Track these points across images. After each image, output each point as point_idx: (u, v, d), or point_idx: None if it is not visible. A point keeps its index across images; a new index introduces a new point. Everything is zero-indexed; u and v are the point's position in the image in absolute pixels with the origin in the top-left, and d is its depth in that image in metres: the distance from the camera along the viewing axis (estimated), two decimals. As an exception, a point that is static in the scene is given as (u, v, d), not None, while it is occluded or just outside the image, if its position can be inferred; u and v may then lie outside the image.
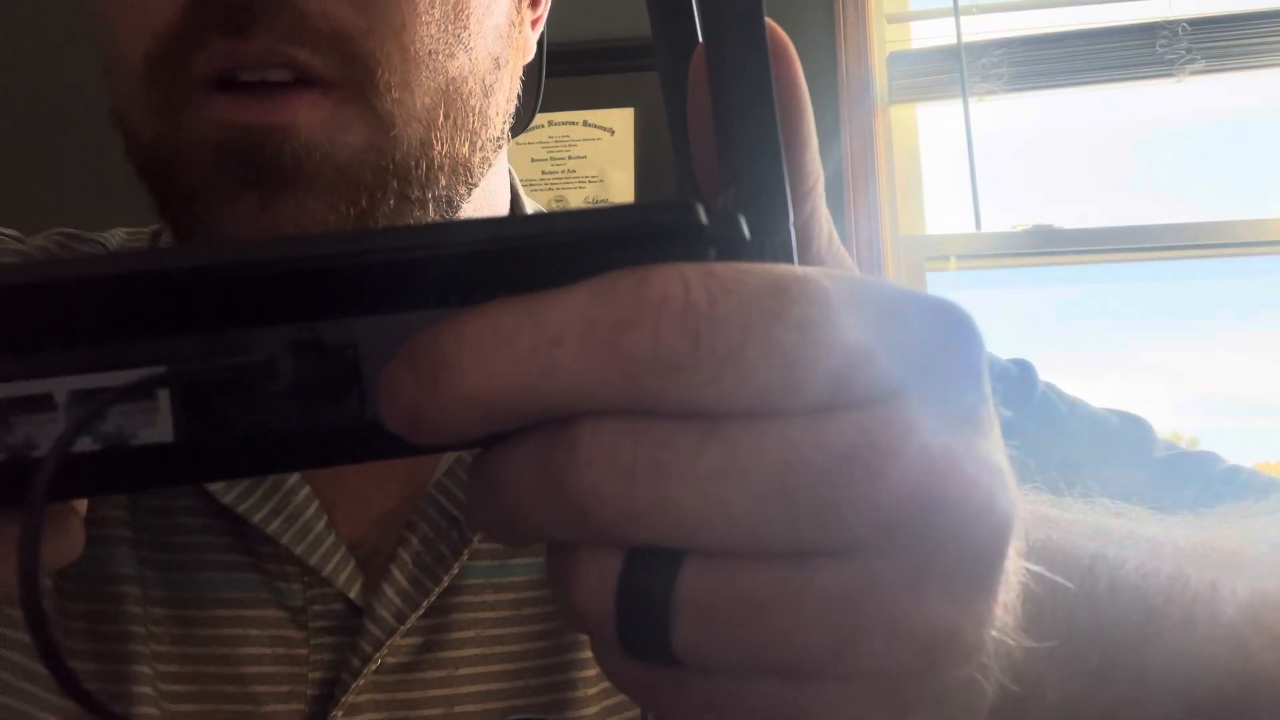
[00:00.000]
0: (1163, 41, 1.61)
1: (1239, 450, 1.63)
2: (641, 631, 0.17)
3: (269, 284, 0.17)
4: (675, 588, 0.17)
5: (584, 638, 0.41)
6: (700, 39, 0.23)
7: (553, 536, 0.18)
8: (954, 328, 0.18)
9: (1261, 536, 0.34)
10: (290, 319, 0.18)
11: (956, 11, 1.68)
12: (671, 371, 0.16)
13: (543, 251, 0.18)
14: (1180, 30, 1.61)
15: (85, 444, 0.18)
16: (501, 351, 0.17)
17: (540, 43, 0.48)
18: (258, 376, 0.18)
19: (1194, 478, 0.47)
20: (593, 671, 0.41)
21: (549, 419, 0.17)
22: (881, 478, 0.16)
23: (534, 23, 0.46)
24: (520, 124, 0.46)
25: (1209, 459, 0.48)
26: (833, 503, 0.16)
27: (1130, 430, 0.49)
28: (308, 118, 0.35)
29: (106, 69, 0.38)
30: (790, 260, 0.20)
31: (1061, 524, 0.25)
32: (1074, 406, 0.49)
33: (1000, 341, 1.70)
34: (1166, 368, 1.69)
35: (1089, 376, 1.67)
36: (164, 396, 0.18)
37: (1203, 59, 1.61)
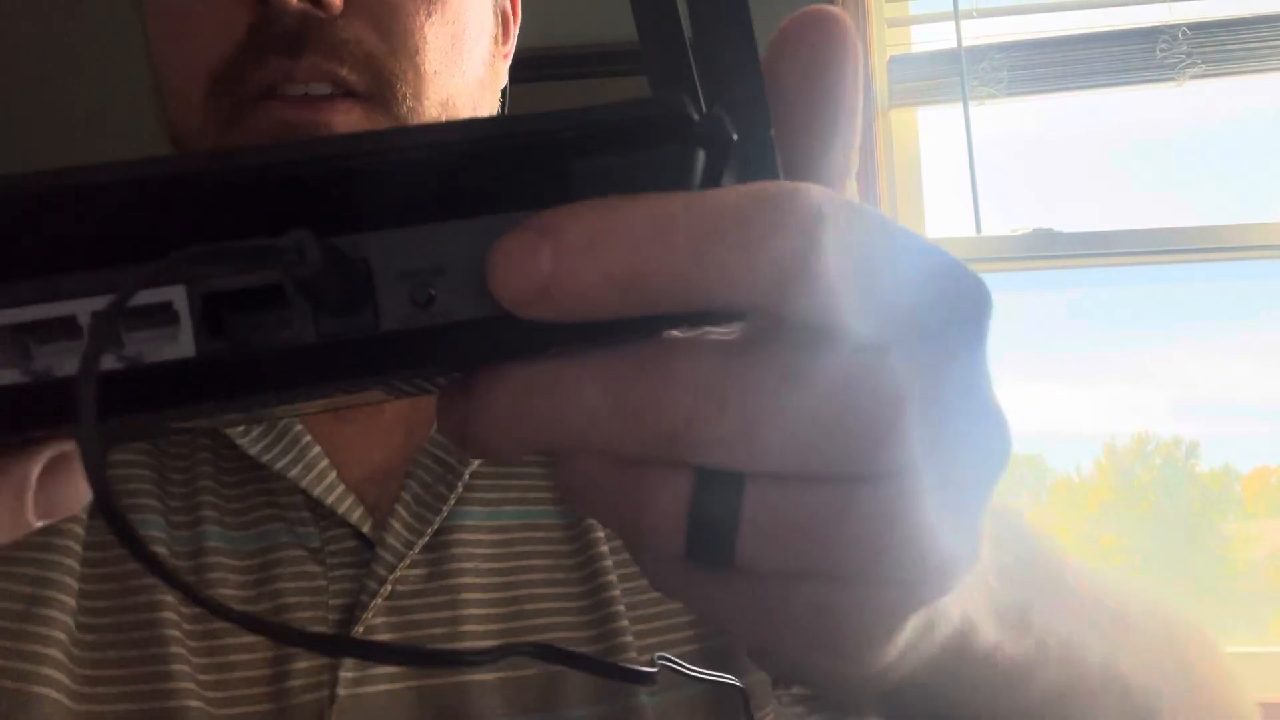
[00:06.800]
0: (1163, 46, 1.62)
1: (1239, 454, 1.63)
2: (710, 545, 0.19)
3: (282, 188, 0.18)
4: (742, 507, 0.19)
5: (560, 575, 0.47)
6: (688, 39, 0.23)
7: (608, 452, 0.20)
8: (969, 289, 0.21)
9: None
10: (308, 226, 0.18)
11: (957, 15, 1.68)
12: (810, 282, 0.18)
13: (542, 145, 0.18)
14: (1180, 35, 1.61)
15: (108, 362, 0.18)
16: (659, 236, 0.18)
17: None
18: (282, 284, 0.18)
19: None
20: (569, 604, 0.46)
21: (682, 314, 0.19)
22: (912, 425, 0.19)
23: (504, 56, 0.56)
24: None
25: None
26: (878, 438, 0.19)
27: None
28: (343, 120, 0.44)
29: (161, 90, 0.47)
30: (773, 162, 0.20)
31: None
32: None
33: (1001, 345, 1.69)
34: (1167, 372, 1.70)
35: (1089, 380, 1.67)
36: (185, 311, 0.18)
37: (1203, 63, 1.61)
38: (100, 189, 0.17)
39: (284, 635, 0.19)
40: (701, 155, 0.19)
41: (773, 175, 0.20)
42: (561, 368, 0.19)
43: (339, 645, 0.33)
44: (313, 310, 0.19)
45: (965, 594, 0.25)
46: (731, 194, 0.18)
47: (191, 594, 0.18)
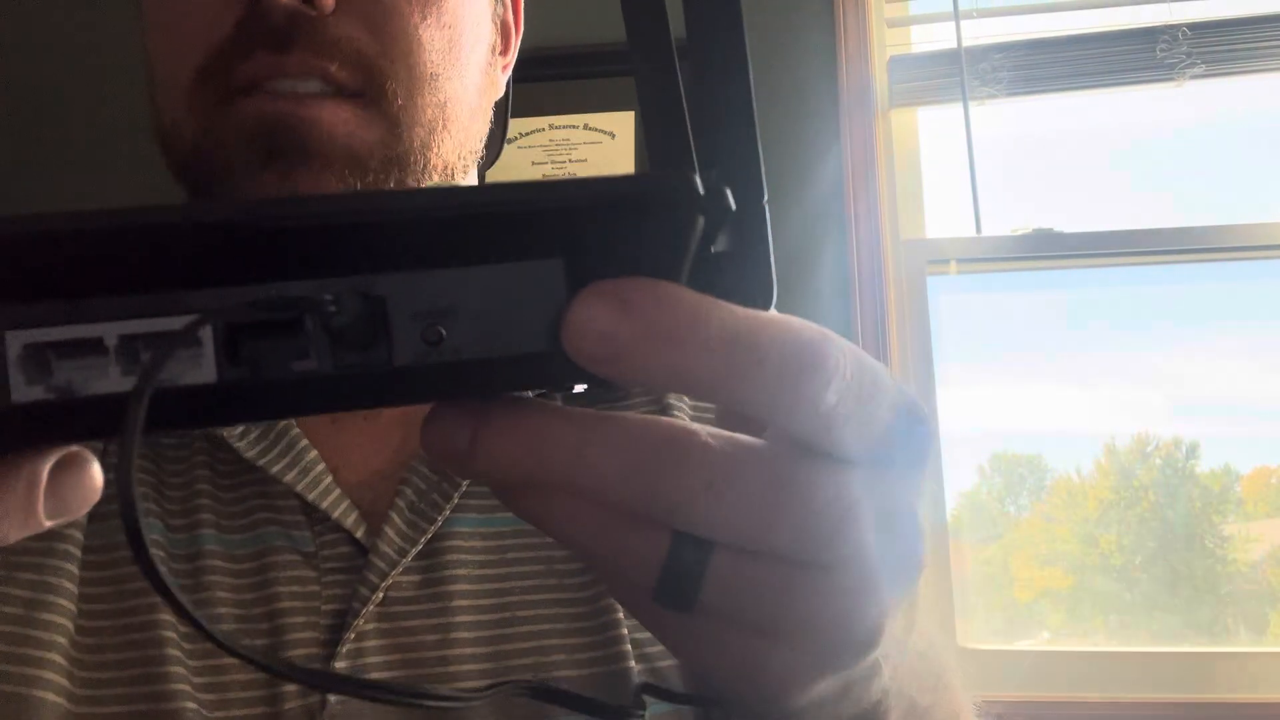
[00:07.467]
0: (1163, 46, 1.62)
1: (1239, 454, 1.63)
2: (675, 592, 0.22)
3: (312, 239, 0.19)
4: (708, 567, 0.22)
5: (554, 580, 0.47)
6: (673, 43, 0.25)
7: (602, 500, 0.22)
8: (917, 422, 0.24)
9: None
10: (331, 273, 0.20)
11: (957, 16, 1.68)
12: (819, 416, 0.21)
13: (548, 215, 0.20)
14: (1180, 35, 1.61)
15: (128, 384, 0.19)
16: (723, 351, 0.20)
17: (507, 85, 0.59)
18: (304, 323, 0.20)
19: None
20: (562, 610, 0.47)
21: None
22: (860, 533, 0.23)
23: (504, 67, 0.57)
24: (492, 154, 0.55)
25: None
26: (831, 539, 0.22)
27: None
28: (331, 117, 0.45)
29: (153, 88, 0.48)
30: (765, 230, 0.23)
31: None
32: None
33: (1000, 345, 1.71)
34: (1166, 372, 1.69)
35: (1088, 381, 1.67)
36: (208, 339, 0.20)
37: (1203, 63, 1.61)
38: (137, 231, 0.18)
39: (288, 675, 0.21)
40: (701, 221, 0.20)
41: (764, 242, 0.23)
42: (587, 424, 0.21)
43: (326, 680, 0.33)
44: (330, 344, 0.20)
45: (888, 678, 0.29)
46: (778, 329, 0.21)
47: (208, 634, 0.19)
